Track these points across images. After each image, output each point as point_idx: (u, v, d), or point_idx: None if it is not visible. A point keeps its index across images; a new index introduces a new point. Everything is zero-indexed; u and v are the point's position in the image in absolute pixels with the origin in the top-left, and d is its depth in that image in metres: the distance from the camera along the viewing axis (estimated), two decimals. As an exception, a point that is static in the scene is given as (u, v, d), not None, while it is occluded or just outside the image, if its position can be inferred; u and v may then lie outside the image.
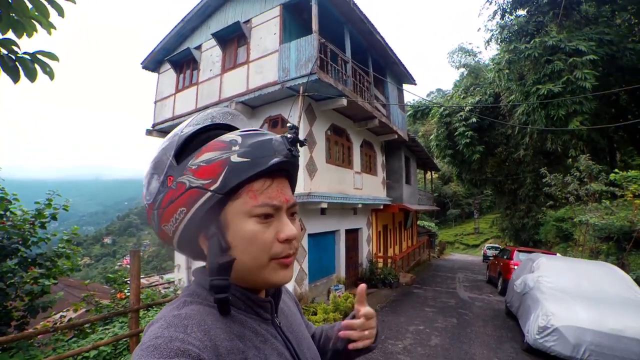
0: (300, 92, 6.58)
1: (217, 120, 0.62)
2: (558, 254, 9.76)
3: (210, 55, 8.50)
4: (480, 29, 15.00)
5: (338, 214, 8.73)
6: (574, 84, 10.22)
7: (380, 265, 10.77)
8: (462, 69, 22.01)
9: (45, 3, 1.58)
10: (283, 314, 0.70)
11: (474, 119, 16.69)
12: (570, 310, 4.31)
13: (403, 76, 11.92)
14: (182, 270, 9.37)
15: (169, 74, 9.64)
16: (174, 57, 9.13)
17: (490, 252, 19.69)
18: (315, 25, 6.61)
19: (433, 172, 22.61)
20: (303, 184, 6.77)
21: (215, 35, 7.97)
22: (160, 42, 9.54)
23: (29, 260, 3.80)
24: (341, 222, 8.96)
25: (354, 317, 0.78)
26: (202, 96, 8.45)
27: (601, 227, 8.92)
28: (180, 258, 9.58)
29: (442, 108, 19.11)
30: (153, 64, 10.03)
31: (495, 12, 13.96)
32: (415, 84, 12.62)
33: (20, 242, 3.76)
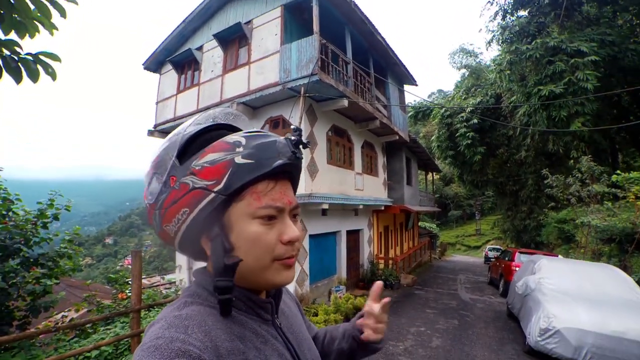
0: (302, 93, 6.59)
1: (219, 121, 0.62)
2: (560, 256, 9.74)
3: (212, 56, 8.52)
4: (481, 29, 15.05)
5: (339, 215, 8.73)
6: (576, 85, 10.20)
7: (382, 266, 10.75)
8: (464, 70, 22.05)
9: (47, 4, 1.59)
10: (283, 315, 0.70)
11: (475, 120, 16.68)
12: (571, 312, 4.30)
13: (404, 77, 11.92)
14: (184, 271, 9.38)
15: (170, 75, 9.66)
16: (175, 57, 9.16)
17: (491, 254, 19.65)
18: (316, 26, 6.62)
19: (434, 173, 22.58)
20: (304, 184, 6.78)
21: (217, 36, 7.99)
22: (162, 43, 9.57)
23: (31, 260, 3.82)
24: (342, 223, 8.95)
25: (361, 317, 0.81)
26: (203, 97, 8.47)
27: (603, 229, 8.90)
28: (181, 259, 9.59)
29: (444, 109, 19.09)
30: (154, 64, 10.06)
31: (496, 13, 13.96)
32: (417, 85, 12.62)
33: (23, 242, 3.78)
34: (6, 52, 1.59)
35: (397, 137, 10.97)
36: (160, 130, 9.59)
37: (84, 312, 5.35)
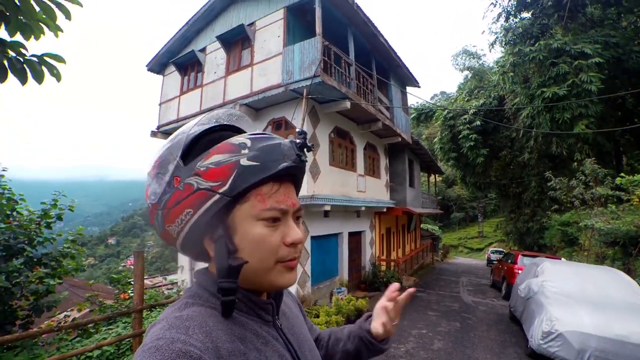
0: (304, 94, 6.61)
1: (222, 121, 0.62)
2: (563, 259, 9.69)
3: (215, 57, 8.56)
4: (484, 31, 15.00)
5: (341, 217, 8.72)
6: (580, 87, 10.15)
7: (383, 268, 10.72)
8: (467, 72, 22.00)
9: (52, 6, 1.60)
10: (284, 316, 0.71)
11: (478, 122, 16.63)
12: (574, 316, 4.27)
13: (407, 79, 11.91)
14: (186, 272, 9.40)
15: (173, 76, 9.71)
16: (178, 59, 9.21)
17: (494, 256, 19.55)
18: (318, 28, 6.63)
19: (437, 175, 22.52)
20: (306, 186, 6.78)
21: (220, 38, 8.02)
22: (165, 44, 9.63)
23: (35, 259, 3.83)
24: (344, 224, 8.94)
25: (369, 317, 0.85)
26: (206, 98, 8.50)
27: (607, 232, 8.84)
28: (183, 259, 9.61)
29: (446, 111, 19.06)
30: (158, 66, 10.12)
31: (499, 15, 13.92)
32: (419, 87, 12.61)
33: (26, 242, 3.81)
34: (12, 53, 1.60)
35: (400, 139, 10.95)
36: (164, 132, 9.62)
37: (86, 312, 5.37)
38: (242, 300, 0.59)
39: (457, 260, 25.71)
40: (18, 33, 1.61)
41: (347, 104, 7.25)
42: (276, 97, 7.07)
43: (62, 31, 1.70)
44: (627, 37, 11.31)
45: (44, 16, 1.61)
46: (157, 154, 0.58)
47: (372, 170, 10.46)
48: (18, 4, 1.54)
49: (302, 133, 0.61)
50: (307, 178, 6.84)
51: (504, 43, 13.38)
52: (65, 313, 4.87)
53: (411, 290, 0.81)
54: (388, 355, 4.84)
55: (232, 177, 0.52)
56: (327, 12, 7.11)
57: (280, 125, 7.52)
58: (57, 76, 1.73)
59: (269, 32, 7.43)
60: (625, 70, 11.28)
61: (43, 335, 3.83)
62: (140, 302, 3.43)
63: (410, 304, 8.26)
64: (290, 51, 6.90)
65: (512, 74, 12.81)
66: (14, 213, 3.91)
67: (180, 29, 9.27)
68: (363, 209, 9.16)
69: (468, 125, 17.20)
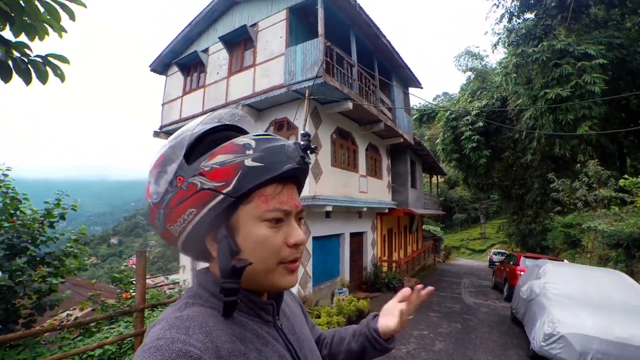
0: (306, 95, 6.61)
1: (225, 121, 0.62)
2: (565, 261, 9.64)
3: (217, 58, 8.59)
4: (487, 32, 14.90)
5: (343, 217, 8.72)
6: (583, 88, 10.10)
7: (385, 269, 10.71)
8: (469, 73, 21.95)
9: (57, 7, 1.62)
10: (285, 316, 0.71)
11: (481, 123, 16.59)
12: (576, 318, 4.24)
13: (409, 79, 11.90)
14: (187, 272, 9.42)
15: (176, 77, 9.75)
16: (181, 60, 9.24)
17: (496, 258, 19.49)
18: (321, 29, 6.64)
19: (439, 176, 22.47)
20: (308, 187, 6.78)
21: (222, 39, 8.05)
22: (168, 45, 9.67)
23: (38, 259, 3.86)
24: (346, 225, 8.94)
25: (376, 316, 0.85)
26: (209, 99, 8.53)
27: (610, 234, 8.79)
28: (185, 259, 9.64)
29: (449, 112, 19.02)
30: (161, 67, 10.16)
31: (502, 16, 13.87)
32: (422, 88, 12.59)
33: (30, 241, 3.83)
34: (16, 54, 1.61)
35: (402, 140, 10.94)
36: (166, 132, 9.66)
37: (89, 311, 5.40)
38: (243, 300, 0.59)
39: (459, 261, 25.63)
40: (23, 34, 1.62)
41: (349, 105, 7.25)
42: (278, 97, 7.09)
43: (66, 32, 1.72)
44: (631, 38, 11.25)
45: (48, 17, 1.63)
46: (159, 152, 0.58)
47: (374, 171, 10.45)
48: (23, 4, 1.55)
49: (307, 135, 0.62)
50: (309, 178, 6.83)
51: (507, 44, 13.34)
52: (67, 312, 4.90)
53: (430, 288, 0.82)
54: (389, 356, 4.83)
55: (236, 178, 0.52)
56: (329, 13, 7.12)
57: (282, 126, 7.53)
58: (61, 77, 1.74)
59: (272, 33, 7.45)
60: (629, 71, 11.22)
61: (45, 334, 3.86)
62: (142, 301, 3.45)
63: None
64: (293, 52, 6.91)
65: (515, 75, 12.76)
66: (18, 212, 3.93)
67: (182, 30, 9.31)
68: (365, 209, 9.15)
69: (470, 127, 17.16)
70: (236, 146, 0.53)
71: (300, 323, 0.76)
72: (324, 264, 8.06)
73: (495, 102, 17.53)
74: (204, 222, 0.53)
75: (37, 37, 1.66)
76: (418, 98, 28.31)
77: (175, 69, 9.63)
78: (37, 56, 1.65)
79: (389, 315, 0.81)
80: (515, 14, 13.49)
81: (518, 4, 13.20)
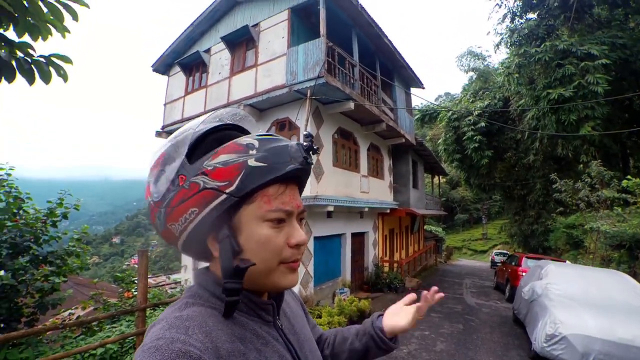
0: (308, 95, 6.61)
1: (226, 121, 0.62)
2: (567, 262, 9.60)
3: (219, 58, 8.60)
4: (489, 32, 14.86)
5: (344, 218, 8.72)
6: (586, 88, 10.05)
7: (386, 269, 10.69)
8: (471, 73, 21.87)
9: (60, 7, 1.62)
10: (285, 316, 0.71)
11: (483, 124, 16.52)
12: (578, 319, 4.23)
13: (411, 80, 11.88)
14: (189, 271, 9.45)
15: (178, 77, 9.77)
16: (183, 60, 9.27)
17: (498, 258, 19.46)
18: (323, 29, 6.64)
19: (441, 177, 22.43)
20: (310, 187, 6.78)
21: (224, 39, 8.06)
22: (170, 45, 9.70)
23: (40, 257, 3.87)
24: (347, 225, 8.94)
25: (380, 316, 0.86)
26: (210, 99, 8.55)
27: (613, 235, 8.76)
28: (187, 259, 9.67)
29: (451, 112, 18.97)
30: (163, 67, 10.19)
31: (505, 16, 13.82)
32: (424, 88, 12.58)
33: (32, 240, 3.84)
34: (20, 54, 1.62)
35: (404, 140, 10.93)
36: (169, 132, 9.69)
37: (91, 310, 5.41)
38: (243, 300, 0.59)
39: (461, 262, 25.57)
40: (26, 34, 1.63)
41: (351, 105, 7.25)
42: (280, 97, 7.09)
43: (69, 32, 1.72)
44: (634, 39, 11.18)
45: (51, 17, 1.64)
46: (160, 151, 0.58)
47: (375, 171, 10.45)
48: (26, 5, 1.56)
49: (309, 136, 0.62)
50: (310, 178, 6.84)
51: (509, 44, 13.28)
52: (69, 311, 4.91)
53: (441, 294, 0.84)
54: (390, 357, 4.83)
55: (239, 178, 0.52)
56: (331, 13, 7.12)
57: (284, 126, 7.54)
58: (64, 77, 1.75)
59: (273, 33, 7.46)
60: (632, 71, 11.16)
61: (48, 333, 3.87)
62: (143, 300, 3.46)
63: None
64: (295, 52, 6.91)
65: (517, 75, 12.71)
66: (21, 211, 3.95)
67: (185, 30, 9.34)
68: (366, 209, 9.15)
69: (472, 127, 17.10)
70: (239, 146, 0.53)
71: (301, 323, 0.76)
72: (325, 264, 8.06)
73: (497, 103, 17.47)
74: (205, 221, 0.53)
75: (40, 37, 1.67)
76: (420, 98, 28.33)
77: (177, 69, 9.66)
78: (41, 56, 1.66)
79: (396, 315, 0.83)
80: (518, 14, 13.44)
81: (520, 4, 13.15)
